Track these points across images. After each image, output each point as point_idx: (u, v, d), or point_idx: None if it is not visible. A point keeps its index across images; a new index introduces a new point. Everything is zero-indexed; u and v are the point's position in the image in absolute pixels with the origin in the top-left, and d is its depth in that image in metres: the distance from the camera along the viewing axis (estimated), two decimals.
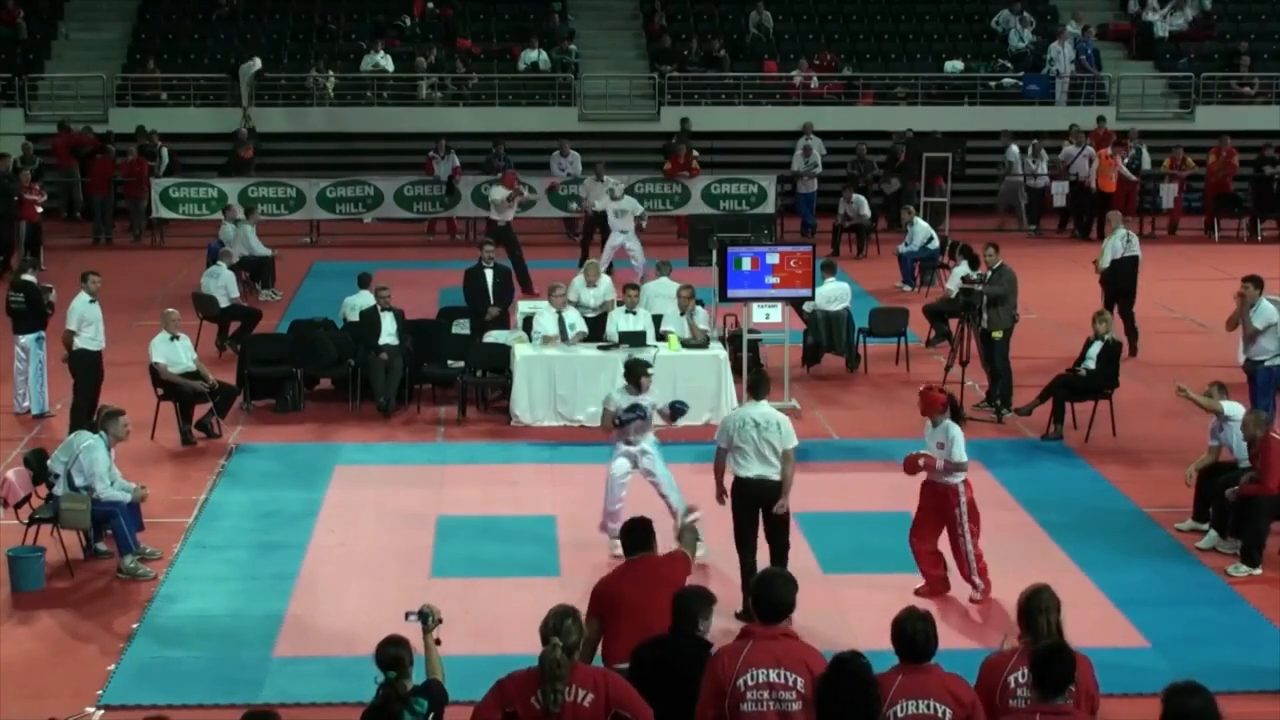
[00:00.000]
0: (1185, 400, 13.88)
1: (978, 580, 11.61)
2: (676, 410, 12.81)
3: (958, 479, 11.53)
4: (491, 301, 18.64)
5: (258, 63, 30.30)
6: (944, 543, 11.74)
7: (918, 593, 11.53)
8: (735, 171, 29.44)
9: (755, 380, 12.00)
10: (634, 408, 12.45)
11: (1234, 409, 13.17)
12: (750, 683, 7.08)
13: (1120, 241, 20.06)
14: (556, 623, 7.20)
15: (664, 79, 31.47)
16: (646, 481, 12.52)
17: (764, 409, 11.53)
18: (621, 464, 12.48)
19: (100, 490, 12.20)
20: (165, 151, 28.76)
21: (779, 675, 7.09)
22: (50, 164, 29.01)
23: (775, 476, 11.35)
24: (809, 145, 29.04)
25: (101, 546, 12.63)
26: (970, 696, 6.99)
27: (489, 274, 18.89)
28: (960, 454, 11.47)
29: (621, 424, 12.47)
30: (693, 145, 29.40)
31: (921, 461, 11.56)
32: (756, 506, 11.43)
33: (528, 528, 13.35)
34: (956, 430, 11.52)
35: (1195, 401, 13.61)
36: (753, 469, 11.36)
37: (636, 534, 8.94)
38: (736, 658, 7.14)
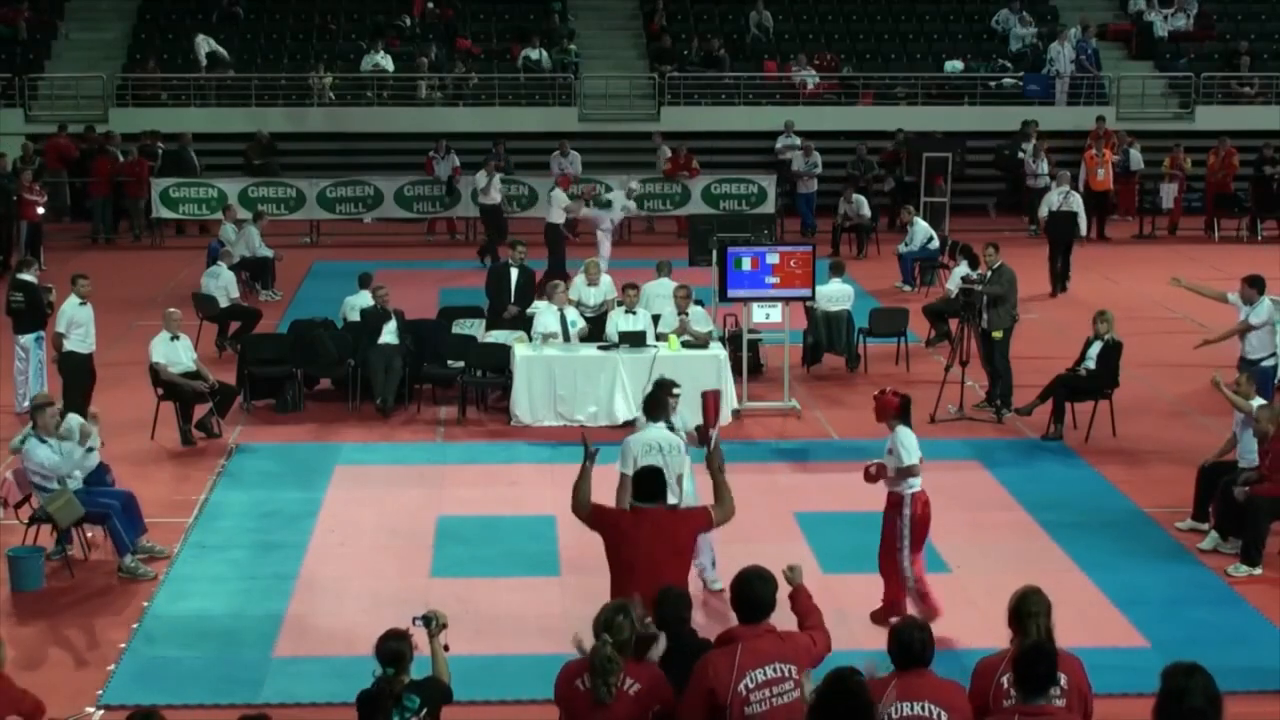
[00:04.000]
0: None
1: (911, 605, 10.99)
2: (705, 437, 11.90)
3: (910, 487, 11.02)
4: (513, 300, 18.67)
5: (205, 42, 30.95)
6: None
7: (873, 616, 11.13)
8: (735, 171, 29.45)
9: (651, 400, 11.15)
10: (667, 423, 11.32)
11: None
12: (750, 685, 7.15)
13: (1058, 196, 23.85)
14: (609, 618, 7.26)
15: (664, 79, 31.47)
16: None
17: (663, 433, 10.92)
18: None
19: (62, 474, 12.15)
20: (161, 150, 28.84)
21: (774, 670, 7.20)
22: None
23: (675, 503, 10.29)
24: (808, 145, 29.06)
25: (63, 547, 12.47)
26: (965, 703, 7.03)
27: (514, 273, 18.93)
28: (908, 458, 10.93)
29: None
30: (690, 146, 29.49)
31: (873, 469, 11.14)
32: None
33: (528, 528, 13.34)
34: (905, 433, 10.99)
35: (1228, 397, 13.09)
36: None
37: (649, 483, 8.89)
38: (730, 664, 7.17)
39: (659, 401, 11.13)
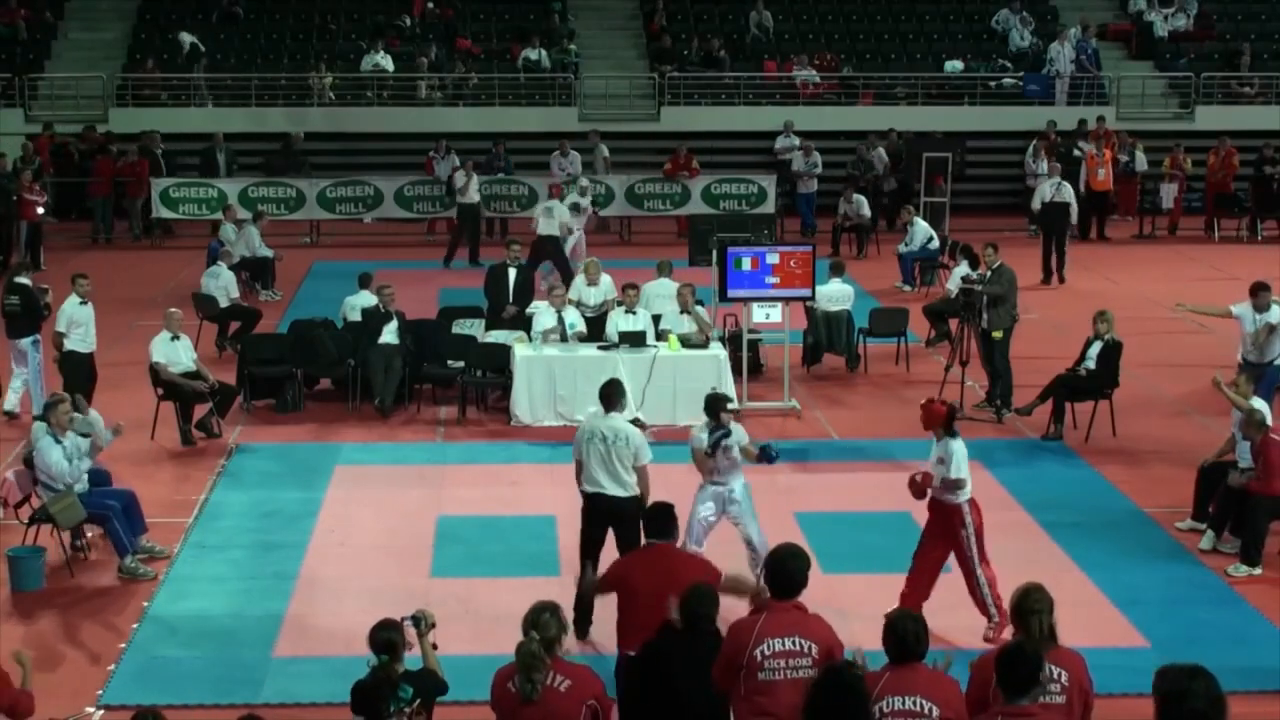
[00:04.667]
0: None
1: (993, 610, 10.92)
2: (766, 456, 11.63)
3: (960, 497, 10.92)
4: (511, 300, 18.67)
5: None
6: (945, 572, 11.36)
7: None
8: (735, 171, 29.45)
9: (606, 390, 11.23)
10: (718, 428, 11.31)
11: (1262, 405, 13.05)
12: (767, 652, 7.37)
13: (1050, 188, 24.96)
14: (535, 617, 7.42)
15: (664, 79, 31.48)
16: (731, 524, 11.63)
17: (614, 422, 10.97)
18: (708, 507, 11.43)
19: (68, 482, 12.13)
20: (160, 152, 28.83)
21: (794, 643, 7.39)
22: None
23: (621, 493, 10.81)
24: (808, 145, 29.07)
25: (79, 542, 12.58)
26: (958, 697, 7.03)
27: (512, 273, 18.93)
28: (958, 470, 10.81)
29: (712, 451, 11.31)
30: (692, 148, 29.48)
31: (919, 478, 10.94)
32: (604, 524, 10.90)
33: (528, 528, 13.34)
34: (956, 445, 10.89)
35: (1228, 396, 13.15)
36: (593, 485, 10.89)
37: (658, 519, 8.95)
38: (752, 629, 7.44)
39: (612, 393, 11.17)
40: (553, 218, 23.60)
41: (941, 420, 11.03)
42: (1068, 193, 25.07)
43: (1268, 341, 15.55)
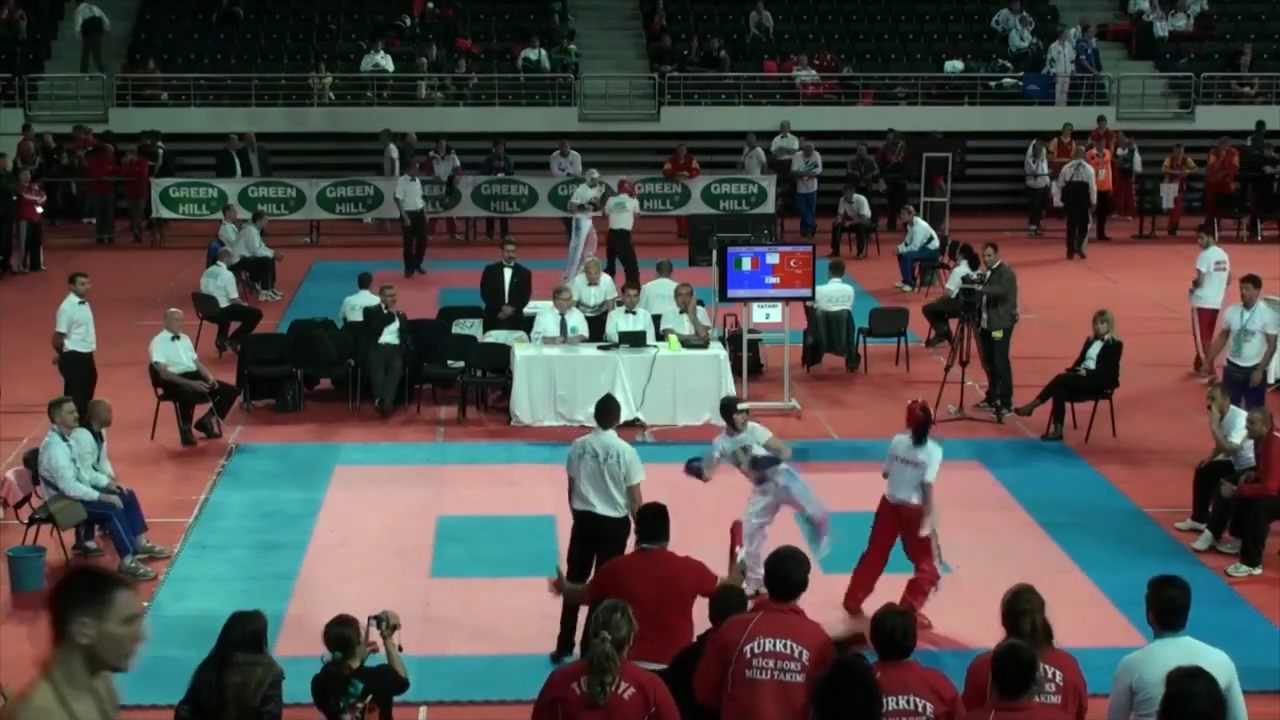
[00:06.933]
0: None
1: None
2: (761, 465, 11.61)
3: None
4: (507, 300, 18.64)
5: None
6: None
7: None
8: (735, 171, 29.44)
9: (601, 407, 11.00)
10: (733, 432, 11.41)
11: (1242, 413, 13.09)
12: (756, 650, 7.30)
13: (1071, 169, 27.11)
14: (605, 617, 7.16)
15: (664, 79, 31.47)
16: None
17: (607, 440, 10.69)
18: (758, 507, 11.50)
19: (65, 487, 12.15)
20: (161, 151, 28.81)
21: (785, 646, 7.31)
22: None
23: (611, 513, 10.57)
24: (808, 145, 29.07)
25: (91, 544, 12.64)
26: (950, 692, 7.05)
27: (508, 273, 18.87)
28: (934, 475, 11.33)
29: (758, 465, 11.40)
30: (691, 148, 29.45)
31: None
32: (590, 542, 10.68)
33: (528, 528, 13.34)
34: (934, 450, 11.37)
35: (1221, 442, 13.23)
36: (583, 502, 10.67)
37: (651, 522, 8.78)
38: (745, 627, 7.39)
39: (607, 409, 10.95)
40: (625, 211, 23.56)
41: (917, 424, 11.26)
42: (1086, 173, 26.91)
43: (1246, 342, 15.50)
